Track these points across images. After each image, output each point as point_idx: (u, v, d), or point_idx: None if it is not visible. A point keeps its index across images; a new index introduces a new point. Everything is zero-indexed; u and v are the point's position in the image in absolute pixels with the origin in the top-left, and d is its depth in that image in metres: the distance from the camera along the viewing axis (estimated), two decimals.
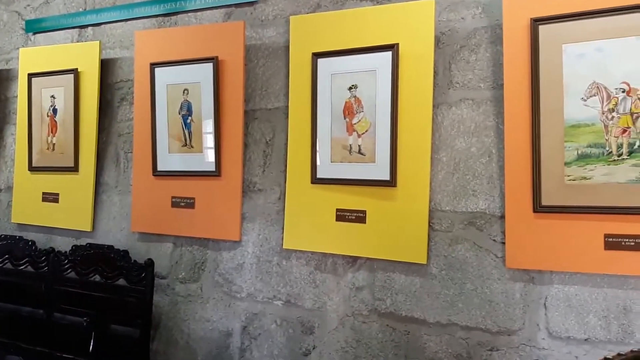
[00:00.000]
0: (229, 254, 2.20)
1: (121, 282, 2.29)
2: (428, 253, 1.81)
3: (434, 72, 1.82)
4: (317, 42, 1.98)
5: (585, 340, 1.60)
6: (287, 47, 2.08)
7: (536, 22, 1.62)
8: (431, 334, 1.81)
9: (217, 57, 2.15)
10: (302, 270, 2.04)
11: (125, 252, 2.28)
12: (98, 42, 2.51)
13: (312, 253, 2.02)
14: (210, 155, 2.18)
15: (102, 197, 2.53)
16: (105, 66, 2.54)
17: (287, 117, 2.06)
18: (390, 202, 1.86)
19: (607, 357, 0.91)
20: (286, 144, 2.07)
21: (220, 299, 2.21)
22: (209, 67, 2.15)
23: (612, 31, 1.53)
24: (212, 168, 2.17)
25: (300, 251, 2.05)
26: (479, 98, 1.78)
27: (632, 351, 0.93)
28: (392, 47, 1.82)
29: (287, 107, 2.07)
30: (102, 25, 2.61)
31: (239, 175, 2.14)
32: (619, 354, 0.91)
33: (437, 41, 1.83)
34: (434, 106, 1.83)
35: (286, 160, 2.06)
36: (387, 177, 1.84)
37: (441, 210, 1.82)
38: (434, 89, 1.82)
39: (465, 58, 1.81)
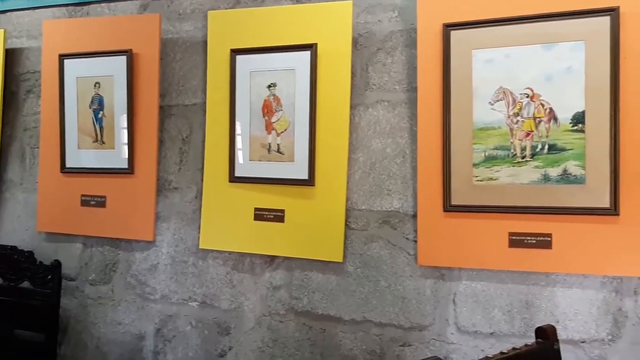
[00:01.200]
0: (142, 255, 2.13)
1: (26, 284, 2.16)
2: (344, 251, 1.83)
3: (352, 73, 1.84)
4: (235, 39, 1.95)
5: (491, 334, 1.67)
6: (206, 42, 2.03)
7: (448, 27, 1.67)
8: (346, 332, 1.83)
9: (131, 50, 2.07)
10: (219, 270, 2.01)
11: (30, 253, 2.15)
12: (2, 30, 2.35)
13: (230, 253, 1.99)
14: (123, 152, 2.10)
15: (6, 195, 2.38)
16: (11, 56, 2.39)
17: (205, 114, 2.02)
18: (308, 201, 1.86)
19: (488, 356, 0.95)
20: (204, 141, 2.02)
21: (133, 301, 2.13)
22: (122, 60, 2.08)
23: (518, 38, 1.61)
24: (125, 165, 2.09)
25: (217, 251, 2.01)
26: (394, 100, 1.82)
27: (501, 353, 0.97)
28: (311, 47, 1.82)
29: (205, 103, 2.03)
30: (8, 13, 2.44)
31: (153, 173, 2.08)
32: (486, 357, 0.95)
33: (355, 43, 1.86)
34: (351, 107, 1.85)
35: (203, 158, 2.02)
36: (305, 176, 1.84)
37: (357, 209, 1.84)
38: (351, 90, 1.84)
39: (381, 60, 1.84)
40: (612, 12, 1.50)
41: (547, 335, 1.05)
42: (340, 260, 1.82)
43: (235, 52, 1.94)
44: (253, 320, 1.95)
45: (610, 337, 1.56)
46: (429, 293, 1.74)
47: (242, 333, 1.96)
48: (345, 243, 1.83)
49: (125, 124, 2.08)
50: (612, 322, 1.56)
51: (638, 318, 1.54)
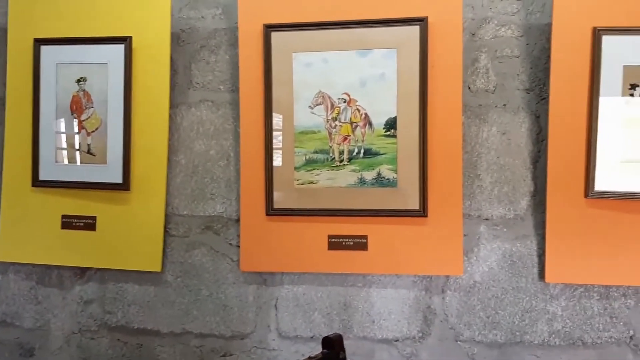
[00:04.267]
0: None
1: None
2: (163, 260, 1.73)
3: (174, 70, 1.75)
4: (41, 27, 1.76)
5: (311, 337, 1.67)
6: (7, 30, 1.81)
7: (268, 28, 1.64)
8: (165, 345, 1.73)
9: None
10: (21, 285, 1.80)
11: None
12: None
13: (34, 266, 1.79)
14: None
15: None
16: None
17: (5, 109, 1.80)
18: (123, 207, 1.73)
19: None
20: (3, 140, 1.80)
21: None
22: None
23: (335, 44, 1.62)
24: None
25: (19, 264, 1.80)
26: (218, 100, 1.75)
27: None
28: (125, 40, 1.69)
29: (4, 98, 1.80)
30: None
31: None
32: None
33: (177, 38, 1.76)
34: (173, 106, 1.75)
35: (2, 160, 1.79)
36: (119, 180, 1.70)
37: (178, 215, 1.75)
38: (173, 88, 1.74)
39: (205, 58, 1.76)
40: (421, 22, 1.57)
41: (332, 344, 1.04)
42: (158, 269, 1.71)
43: (39, 41, 1.74)
44: (61, 339, 1.77)
45: (420, 334, 1.63)
46: (251, 299, 1.70)
47: (49, 353, 1.77)
48: (164, 251, 1.73)
49: None
50: (422, 319, 1.63)
51: (445, 315, 1.62)
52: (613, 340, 1.56)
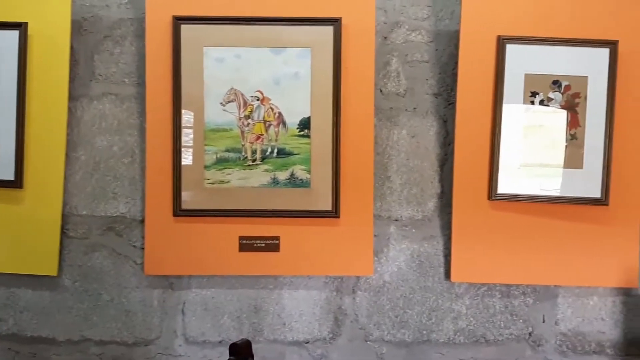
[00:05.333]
0: None
1: None
2: (60, 263, 1.61)
3: (75, 61, 1.64)
4: None
5: (220, 342, 1.62)
6: None
7: (178, 20, 1.57)
8: (61, 354, 1.61)
9: None
10: None
11: None
12: None
13: None
14: None
15: None
16: None
17: None
18: (15, 207, 1.59)
19: None
20: None
21: None
22: None
23: (248, 40, 1.58)
24: None
25: None
26: (122, 94, 1.66)
27: None
28: (20, 26, 1.56)
29: None
30: None
31: None
32: None
33: (79, 27, 1.65)
34: (73, 98, 1.64)
35: None
36: (11, 176, 1.57)
37: (77, 215, 1.64)
38: (73, 80, 1.63)
39: (109, 49, 1.66)
40: (335, 23, 1.56)
41: (240, 351, 1.01)
42: (54, 273, 1.60)
43: None
44: None
45: (331, 335, 1.63)
46: (156, 304, 1.63)
47: None
48: (61, 254, 1.62)
49: None
50: (333, 320, 1.63)
51: (355, 315, 1.63)
52: (513, 337, 1.63)
